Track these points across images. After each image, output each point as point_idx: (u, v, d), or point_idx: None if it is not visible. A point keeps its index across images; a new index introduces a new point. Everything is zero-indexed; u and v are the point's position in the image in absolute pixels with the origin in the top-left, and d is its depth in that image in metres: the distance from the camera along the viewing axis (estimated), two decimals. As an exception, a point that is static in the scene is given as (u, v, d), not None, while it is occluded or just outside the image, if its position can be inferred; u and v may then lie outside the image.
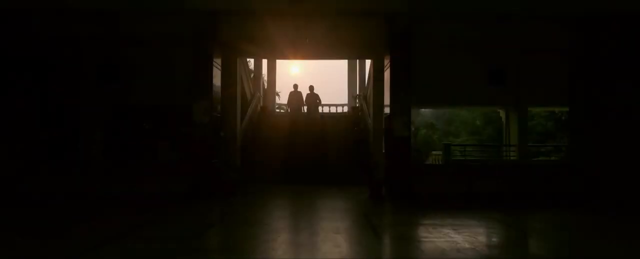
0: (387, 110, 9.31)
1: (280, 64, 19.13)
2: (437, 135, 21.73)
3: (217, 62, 9.04)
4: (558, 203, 8.21)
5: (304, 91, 15.12)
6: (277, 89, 19.31)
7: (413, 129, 14.35)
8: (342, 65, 18.59)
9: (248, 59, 16.45)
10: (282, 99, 20.20)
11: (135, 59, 9.65)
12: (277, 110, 18.41)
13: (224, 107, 10.34)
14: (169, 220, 6.32)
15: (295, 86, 15.15)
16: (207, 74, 8.62)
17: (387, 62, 9.37)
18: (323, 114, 16.01)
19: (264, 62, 17.73)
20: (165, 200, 8.12)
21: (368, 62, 15.64)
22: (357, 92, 16.19)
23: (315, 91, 15.03)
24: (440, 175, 9.28)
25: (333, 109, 17.31)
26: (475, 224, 6.17)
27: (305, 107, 14.91)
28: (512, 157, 11.84)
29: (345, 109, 17.33)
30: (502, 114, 12.31)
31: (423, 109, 25.94)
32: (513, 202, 8.26)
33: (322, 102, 15.86)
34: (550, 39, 9.96)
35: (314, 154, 12.33)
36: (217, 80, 8.98)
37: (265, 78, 18.75)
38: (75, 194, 8.37)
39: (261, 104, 16.10)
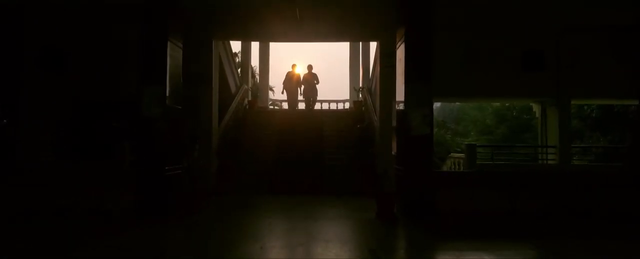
0: (399, 106, 7.13)
1: (277, 60, 17.13)
2: (449, 135, 19.63)
3: (178, 41, 6.88)
4: (632, 226, 6.08)
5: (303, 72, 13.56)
6: (271, 83, 17.26)
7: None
8: (344, 59, 16.51)
9: (236, 51, 14.48)
10: (276, 94, 18.21)
11: (83, 40, 8.25)
12: (271, 107, 16.30)
13: (194, 100, 8.34)
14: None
15: (294, 66, 13.62)
16: (161, 52, 6.45)
17: (399, 42, 7.13)
18: (322, 110, 14.02)
19: (255, 53, 15.64)
20: (104, 219, 6.10)
21: (373, 49, 13.55)
22: (360, 85, 14.04)
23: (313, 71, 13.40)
24: (469, 186, 7.05)
25: (333, 106, 15.23)
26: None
27: (302, 88, 13.25)
28: (550, 161, 9.77)
29: (347, 105, 15.22)
30: (536, 108, 10.28)
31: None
32: (571, 224, 6.10)
33: (322, 99, 14.35)
34: (604, 13, 7.91)
35: (309, 157, 10.19)
36: (177, 62, 6.83)
37: (257, 70, 16.67)
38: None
39: (249, 98, 14.00)
